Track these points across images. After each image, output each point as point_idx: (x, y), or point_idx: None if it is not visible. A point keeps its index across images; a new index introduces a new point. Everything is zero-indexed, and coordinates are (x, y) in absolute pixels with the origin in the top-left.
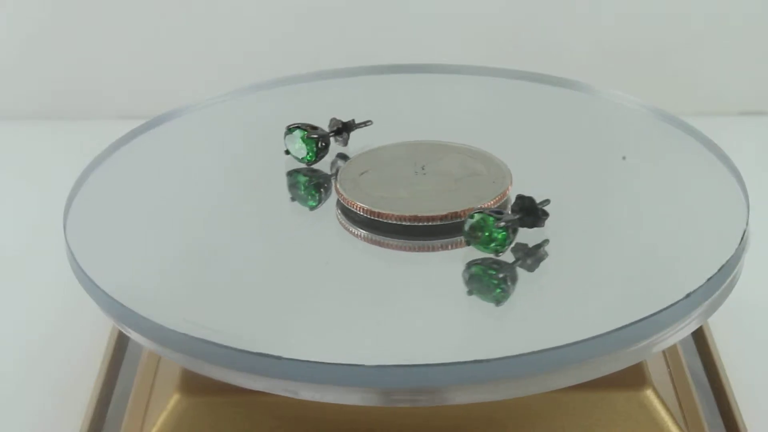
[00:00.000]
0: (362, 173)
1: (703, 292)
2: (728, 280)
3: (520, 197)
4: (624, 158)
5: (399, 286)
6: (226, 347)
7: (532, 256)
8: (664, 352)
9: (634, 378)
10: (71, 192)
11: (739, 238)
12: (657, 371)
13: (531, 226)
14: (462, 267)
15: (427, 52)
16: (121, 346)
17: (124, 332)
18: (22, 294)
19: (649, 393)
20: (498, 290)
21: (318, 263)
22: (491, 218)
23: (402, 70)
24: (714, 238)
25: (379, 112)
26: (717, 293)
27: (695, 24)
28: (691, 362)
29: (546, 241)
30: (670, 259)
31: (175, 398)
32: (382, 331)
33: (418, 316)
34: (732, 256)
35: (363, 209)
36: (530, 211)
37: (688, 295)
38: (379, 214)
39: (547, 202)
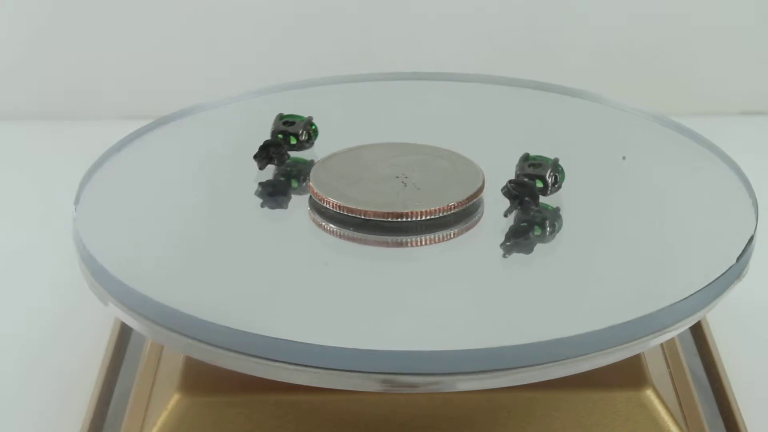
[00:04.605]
0: (339, 170)
1: (713, 288)
2: (736, 278)
3: None
4: (624, 158)
5: (379, 280)
6: (227, 327)
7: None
8: (664, 352)
9: (634, 378)
10: (83, 179)
11: (747, 239)
12: (657, 371)
13: None
14: (437, 264)
15: (427, 53)
16: (121, 345)
17: (125, 320)
18: (22, 293)
19: (649, 393)
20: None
21: (287, 255)
22: None
23: (402, 77)
24: (722, 239)
25: (378, 118)
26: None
27: (695, 24)
28: (691, 362)
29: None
30: (677, 257)
31: (175, 398)
32: (377, 319)
33: (407, 308)
34: (742, 254)
35: (335, 204)
36: None
37: None
38: (348, 210)
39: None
